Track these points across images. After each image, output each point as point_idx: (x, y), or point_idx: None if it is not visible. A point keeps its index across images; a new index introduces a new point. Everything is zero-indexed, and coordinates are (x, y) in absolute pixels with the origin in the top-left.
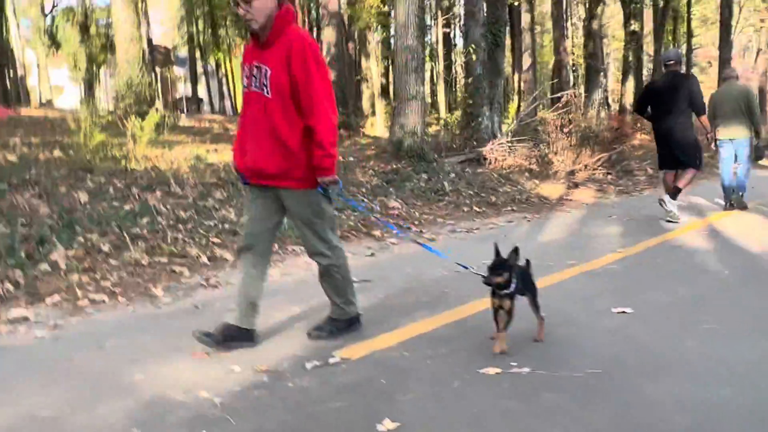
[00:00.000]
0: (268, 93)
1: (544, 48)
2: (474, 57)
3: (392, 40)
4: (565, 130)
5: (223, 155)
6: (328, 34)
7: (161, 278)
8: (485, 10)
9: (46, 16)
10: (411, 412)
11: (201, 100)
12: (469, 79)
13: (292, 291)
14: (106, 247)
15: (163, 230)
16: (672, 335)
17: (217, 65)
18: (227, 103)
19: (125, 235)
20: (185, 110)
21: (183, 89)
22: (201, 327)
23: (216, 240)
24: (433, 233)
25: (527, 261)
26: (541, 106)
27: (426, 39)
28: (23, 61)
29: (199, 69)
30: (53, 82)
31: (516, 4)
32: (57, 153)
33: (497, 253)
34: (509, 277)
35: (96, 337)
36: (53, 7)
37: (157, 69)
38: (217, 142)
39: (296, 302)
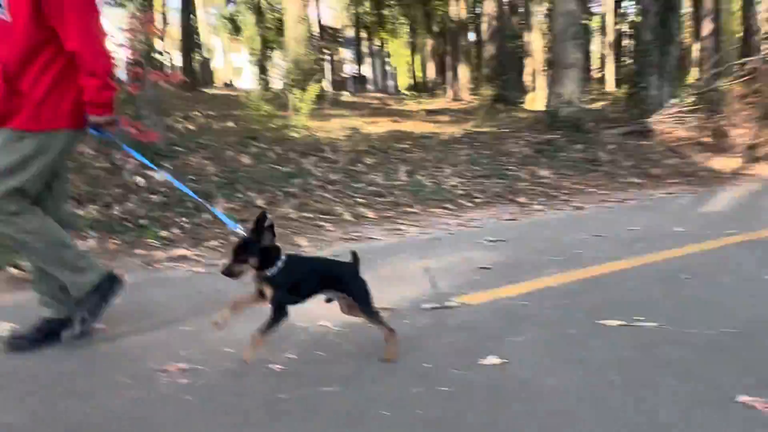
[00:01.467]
0: (7, 16)
1: (731, 15)
2: (643, 21)
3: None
4: (749, 100)
5: (378, 127)
6: (488, 8)
7: (306, 231)
8: None
9: (228, 3)
10: (518, 352)
11: (365, 78)
12: (638, 46)
13: (427, 246)
14: (261, 202)
15: (313, 190)
16: None
17: (382, 45)
18: (390, 82)
19: (279, 192)
20: (350, 89)
21: (349, 69)
22: None
23: (361, 200)
24: (581, 202)
25: (354, 255)
26: (722, 76)
27: (594, 9)
28: (209, 45)
29: (364, 49)
30: (234, 65)
31: None
32: (229, 123)
33: (255, 229)
34: (259, 263)
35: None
36: None
37: (325, 50)
38: (374, 116)
39: (427, 256)
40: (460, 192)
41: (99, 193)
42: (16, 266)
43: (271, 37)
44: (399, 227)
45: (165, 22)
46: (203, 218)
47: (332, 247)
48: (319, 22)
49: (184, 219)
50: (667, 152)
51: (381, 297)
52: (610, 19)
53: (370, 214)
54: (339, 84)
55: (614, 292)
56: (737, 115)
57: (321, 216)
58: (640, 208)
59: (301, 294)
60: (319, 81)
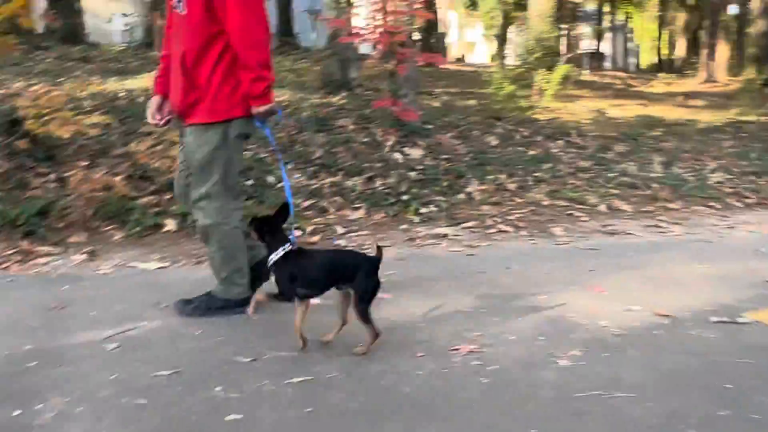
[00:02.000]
0: (182, 9)
1: None
2: None
3: None
4: None
5: (624, 110)
6: None
7: (560, 219)
8: None
9: None
10: None
11: (603, 56)
12: None
13: (697, 249)
14: (512, 186)
15: (563, 177)
16: None
17: (626, 20)
18: (631, 60)
19: (529, 177)
20: (587, 66)
21: (585, 45)
22: (598, 267)
23: (614, 191)
24: None
25: (378, 249)
26: None
27: None
28: (445, 20)
29: (605, 24)
30: (467, 40)
31: None
32: (472, 102)
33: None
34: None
35: (503, 259)
36: None
37: (563, 25)
38: (619, 97)
39: (699, 260)
40: (728, 190)
41: (363, 167)
42: (301, 229)
43: (511, 12)
44: (659, 224)
45: None
46: (459, 198)
47: (588, 240)
48: None
49: (441, 197)
50: None
51: (655, 301)
52: None
53: (626, 206)
54: (573, 61)
55: None
56: None
57: (573, 205)
58: None
59: (308, 286)
60: (563, 59)
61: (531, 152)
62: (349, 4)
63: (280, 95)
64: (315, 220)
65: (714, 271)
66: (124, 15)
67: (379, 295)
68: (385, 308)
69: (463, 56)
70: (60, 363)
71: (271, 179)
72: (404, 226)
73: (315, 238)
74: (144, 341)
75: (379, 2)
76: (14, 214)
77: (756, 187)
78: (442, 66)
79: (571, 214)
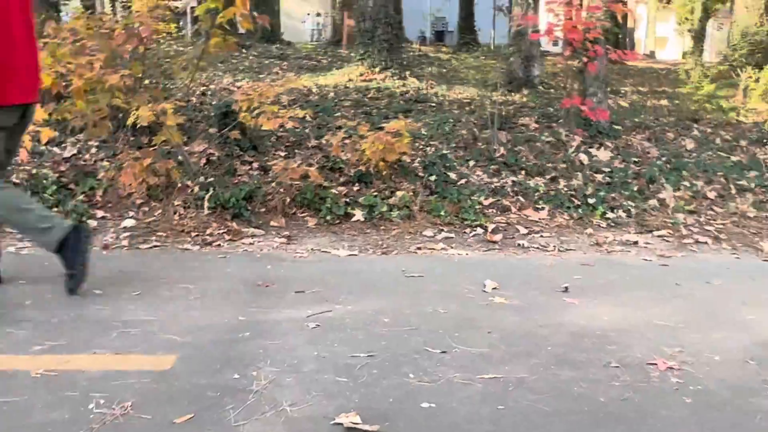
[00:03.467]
0: None
1: None
2: None
3: None
4: None
5: None
6: None
7: None
8: None
9: None
10: None
11: None
12: None
13: None
14: (711, 194)
15: None
16: None
17: None
18: None
19: (731, 185)
20: None
21: None
22: None
23: None
24: None
25: None
26: None
27: None
28: (635, 14)
29: None
30: (658, 34)
31: None
32: (664, 102)
33: None
34: None
35: (701, 272)
36: None
37: None
38: None
39: None
40: None
41: (546, 167)
42: (482, 226)
43: (712, 4)
44: None
45: None
46: (650, 204)
47: None
48: None
49: (629, 202)
50: None
51: None
52: None
53: None
54: None
55: None
56: None
57: None
58: None
59: None
60: None
61: (734, 158)
62: (537, 0)
63: (462, 92)
64: (497, 218)
65: None
66: (317, 15)
67: (566, 299)
68: (572, 313)
69: (653, 52)
70: (269, 336)
71: (453, 176)
72: (589, 230)
73: (497, 237)
74: (340, 323)
75: None
76: (225, 197)
77: None
78: (631, 63)
79: None
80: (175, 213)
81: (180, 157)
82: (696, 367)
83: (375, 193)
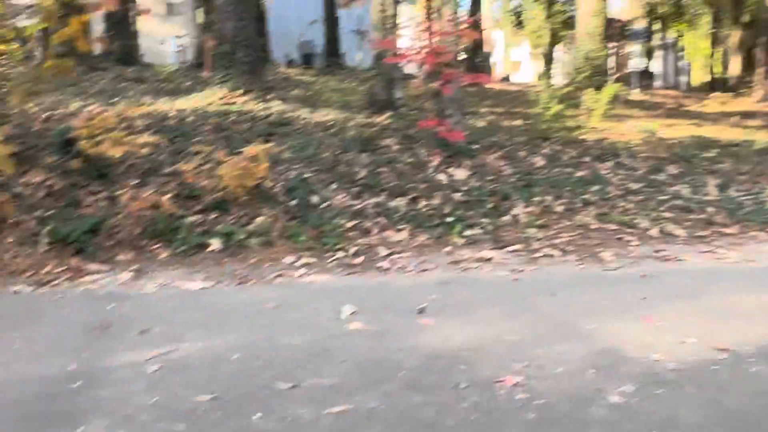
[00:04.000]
0: None
1: None
2: None
3: None
4: None
5: (677, 131)
6: None
7: (610, 244)
8: None
9: None
10: None
11: (652, 74)
12: None
13: (755, 277)
14: (559, 208)
15: (612, 199)
16: None
17: (677, 38)
18: (682, 78)
19: (577, 199)
20: (636, 85)
21: (634, 63)
22: (650, 295)
23: (667, 215)
24: None
25: None
26: None
27: None
28: (490, 40)
29: (655, 42)
30: (512, 59)
31: None
32: (517, 122)
33: None
34: None
35: (548, 285)
36: None
37: (612, 44)
38: (671, 117)
39: (760, 289)
40: None
41: (407, 188)
42: (343, 250)
43: (559, 31)
44: (715, 250)
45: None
46: (504, 221)
47: (639, 265)
48: (606, 17)
49: (486, 219)
50: None
51: (713, 333)
52: None
53: (679, 231)
54: (623, 80)
55: None
56: None
57: (623, 229)
58: None
59: None
60: (612, 78)
61: (579, 173)
62: (395, 25)
63: (326, 115)
64: (358, 241)
65: None
66: (177, 37)
67: (422, 321)
68: (427, 335)
69: (508, 75)
70: (103, 385)
71: (315, 199)
72: (448, 249)
73: (358, 260)
74: (185, 363)
75: (426, 22)
76: (66, 231)
77: None
78: (487, 85)
79: (620, 239)
80: (6, 252)
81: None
82: (540, 381)
83: (233, 221)
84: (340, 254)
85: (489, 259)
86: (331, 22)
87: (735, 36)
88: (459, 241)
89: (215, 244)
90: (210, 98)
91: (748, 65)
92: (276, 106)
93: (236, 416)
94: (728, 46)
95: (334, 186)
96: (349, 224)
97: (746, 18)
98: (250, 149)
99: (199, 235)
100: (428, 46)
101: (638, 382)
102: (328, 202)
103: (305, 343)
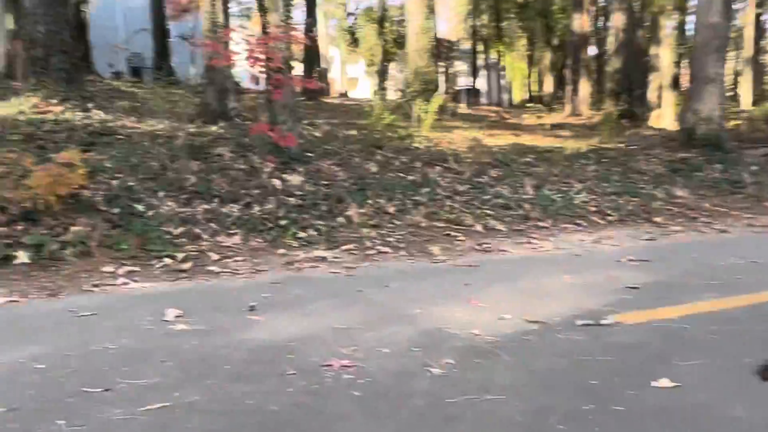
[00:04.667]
0: None
1: None
2: None
3: (694, 18)
4: None
5: (499, 139)
6: (617, 20)
7: (438, 240)
8: None
9: (349, 16)
10: (691, 377)
11: (479, 92)
12: None
13: (565, 262)
14: (391, 209)
15: (441, 200)
16: None
17: (498, 58)
18: (504, 96)
19: (408, 201)
20: (464, 101)
21: (463, 81)
22: (473, 282)
23: (489, 212)
24: (725, 225)
25: None
26: None
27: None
28: (327, 56)
29: (480, 62)
30: (350, 75)
31: None
32: (353, 132)
33: None
34: None
35: (381, 278)
36: (356, 8)
37: (441, 62)
38: (493, 128)
39: (567, 272)
40: (592, 208)
41: (240, 194)
42: (171, 256)
43: (391, 48)
44: (531, 241)
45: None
46: (338, 222)
47: (465, 257)
48: (435, 35)
49: (320, 221)
50: None
51: (527, 309)
52: (749, 32)
53: (500, 226)
54: (452, 96)
55: None
56: None
57: (451, 226)
58: None
59: None
60: (441, 93)
61: (410, 177)
62: (225, 27)
63: (155, 125)
64: (187, 247)
65: (580, 281)
66: None
67: (251, 317)
68: (256, 330)
69: (346, 92)
70: None
71: (140, 207)
72: (282, 251)
73: (187, 265)
74: None
75: (256, 27)
76: None
77: (616, 206)
78: (325, 100)
79: (448, 235)
80: None
81: None
82: (367, 362)
83: (44, 231)
84: (167, 261)
85: (323, 259)
86: (161, 34)
87: (547, 58)
88: (293, 244)
89: (22, 256)
90: (21, 106)
91: (560, 83)
92: (98, 116)
93: (37, 425)
94: (542, 67)
95: (161, 194)
96: (178, 231)
97: (556, 41)
98: (63, 155)
99: (4, 247)
100: (257, 50)
101: (459, 355)
102: (154, 210)
103: (123, 347)
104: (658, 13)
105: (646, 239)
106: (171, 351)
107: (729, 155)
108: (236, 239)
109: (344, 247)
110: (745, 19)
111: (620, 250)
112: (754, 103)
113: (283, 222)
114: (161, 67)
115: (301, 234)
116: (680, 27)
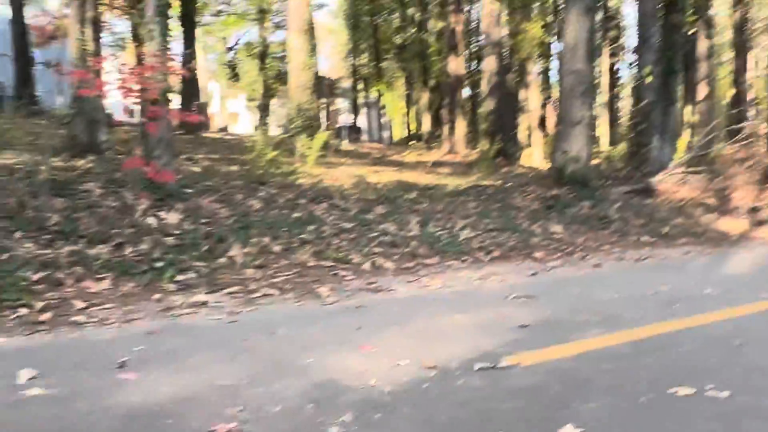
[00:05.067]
0: None
1: (718, 81)
2: (647, 81)
3: (559, 64)
4: (747, 164)
5: (382, 176)
6: (489, 64)
7: (326, 280)
8: (659, 35)
9: (229, 51)
10: (594, 420)
11: (359, 129)
12: (641, 105)
13: (454, 300)
14: (277, 248)
15: (327, 238)
16: None
17: (379, 96)
18: (385, 133)
19: (294, 239)
20: (345, 137)
21: (344, 119)
22: (365, 325)
23: (377, 249)
24: (598, 260)
25: None
26: (717, 139)
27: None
28: (207, 90)
29: (360, 100)
30: (230, 110)
31: (692, 32)
32: (234, 167)
33: None
34: None
35: (267, 324)
36: (236, 43)
37: (323, 99)
38: (377, 165)
39: (458, 311)
40: (476, 245)
41: (110, 234)
42: (27, 306)
43: (273, 84)
44: (419, 279)
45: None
46: (220, 263)
47: (355, 298)
48: (316, 72)
49: (200, 263)
50: (673, 212)
51: (422, 353)
52: (605, 79)
53: (388, 264)
54: (334, 133)
55: (670, 356)
56: (737, 178)
57: (339, 265)
58: (660, 267)
59: None
60: (326, 129)
61: (295, 215)
62: (97, 54)
63: (10, 158)
64: (47, 295)
65: (472, 320)
66: None
67: (122, 376)
68: (127, 391)
69: (226, 126)
70: None
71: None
72: (158, 296)
73: (46, 316)
74: None
75: (130, 56)
76: None
77: (498, 242)
78: (204, 134)
79: (336, 274)
80: None
81: None
82: (257, 424)
83: None
84: (23, 311)
85: (204, 303)
86: (24, 61)
87: (425, 97)
88: (170, 287)
89: None
90: None
91: (437, 122)
92: None
93: None
94: (420, 106)
95: (18, 235)
96: (36, 276)
97: (433, 82)
98: None
99: None
100: (131, 80)
101: (357, 410)
102: (9, 253)
103: None
104: (526, 59)
105: (530, 275)
106: (23, 422)
107: (595, 193)
108: (105, 284)
109: (227, 291)
110: (602, 67)
111: (506, 286)
112: (611, 143)
113: (158, 264)
114: (23, 96)
115: (180, 277)
116: (545, 72)
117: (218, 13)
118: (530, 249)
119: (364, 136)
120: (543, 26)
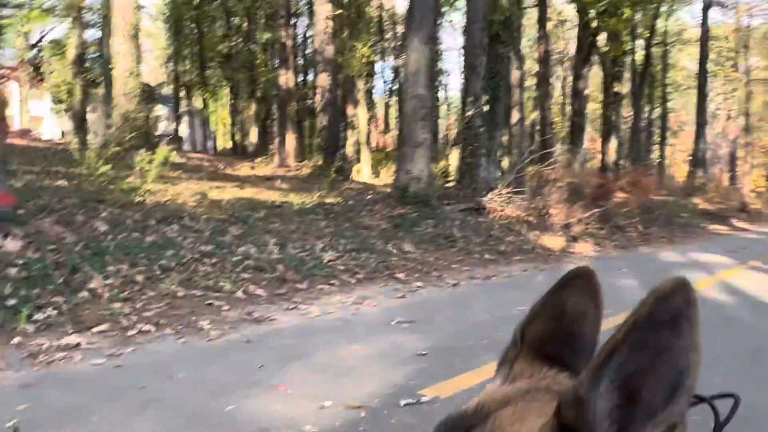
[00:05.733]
0: None
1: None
2: (474, 108)
3: (402, 88)
4: (557, 184)
5: (224, 193)
6: (323, 80)
7: (201, 311)
8: (484, 63)
9: (32, 48)
10: None
11: (181, 138)
12: (469, 129)
13: (340, 329)
14: (139, 278)
15: (190, 263)
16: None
17: (204, 105)
18: (209, 143)
19: (155, 266)
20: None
21: (164, 127)
22: (265, 362)
23: (245, 275)
24: (453, 279)
25: None
26: (529, 162)
27: None
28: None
29: (183, 108)
30: (33, 113)
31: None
32: (62, 182)
33: None
34: None
35: (159, 367)
36: (40, 39)
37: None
38: (214, 179)
39: (351, 341)
40: (340, 267)
41: None
42: None
43: (90, 89)
44: (296, 306)
45: None
46: (82, 297)
47: (238, 331)
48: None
49: (58, 297)
50: (504, 230)
51: (340, 392)
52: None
53: (260, 291)
54: (154, 143)
55: None
56: (551, 197)
57: (210, 294)
58: (508, 286)
59: None
60: (150, 139)
61: (149, 238)
62: None
63: None
64: None
65: (369, 351)
66: None
67: None
68: None
69: (30, 130)
70: None
71: None
72: (17, 340)
73: None
74: None
75: None
76: None
77: (361, 264)
78: (13, 141)
79: (211, 304)
80: None
81: None
82: None
83: None
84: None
85: (76, 346)
86: None
87: (252, 108)
88: (29, 328)
89: None
90: None
91: (264, 134)
92: None
93: None
94: (246, 117)
95: None
96: None
97: (260, 93)
98: None
99: None
100: None
101: None
102: None
103: None
104: (354, 76)
105: (398, 297)
106: None
107: (436, 211)
108: None
109: (96, 329)
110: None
111: (383, 311)
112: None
113: (10, 302)
114: None
115: (38, 315)
116: (369, 91)
117: (19, 6)
118: (391, 269)
119: (186, 146)
120: (370, 46)
